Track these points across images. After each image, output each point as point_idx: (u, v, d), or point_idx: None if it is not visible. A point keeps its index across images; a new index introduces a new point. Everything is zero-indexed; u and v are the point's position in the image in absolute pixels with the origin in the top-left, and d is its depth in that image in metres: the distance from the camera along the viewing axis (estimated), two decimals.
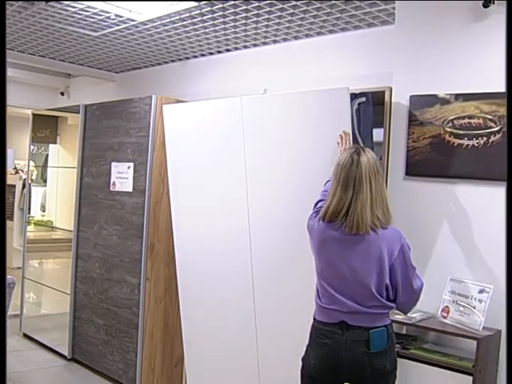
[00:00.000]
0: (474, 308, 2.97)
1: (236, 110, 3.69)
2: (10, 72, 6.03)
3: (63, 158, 6.15)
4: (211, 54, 5.15)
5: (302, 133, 3.38)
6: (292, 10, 3.81)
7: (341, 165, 2.57)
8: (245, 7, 3.82)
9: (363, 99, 3.46)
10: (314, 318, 2.67)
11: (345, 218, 2.52)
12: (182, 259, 4.17)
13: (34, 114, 6.08)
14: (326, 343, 2.56)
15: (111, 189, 4.76)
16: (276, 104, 3.58)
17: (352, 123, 3.26)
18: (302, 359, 2.70)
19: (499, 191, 3.00)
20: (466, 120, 3.16)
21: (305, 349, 2.70)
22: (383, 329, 2.55)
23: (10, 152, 7.59)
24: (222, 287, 3.92)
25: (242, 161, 3.68)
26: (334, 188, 2.57)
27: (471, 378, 2.81)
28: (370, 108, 3.51)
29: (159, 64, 5.76)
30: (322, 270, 2.64)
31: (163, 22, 4.25)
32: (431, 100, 3.29)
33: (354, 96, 3.39)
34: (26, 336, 5.80)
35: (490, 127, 3.06)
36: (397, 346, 3.08)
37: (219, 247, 3.89)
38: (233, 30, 4.34)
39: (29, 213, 6.31)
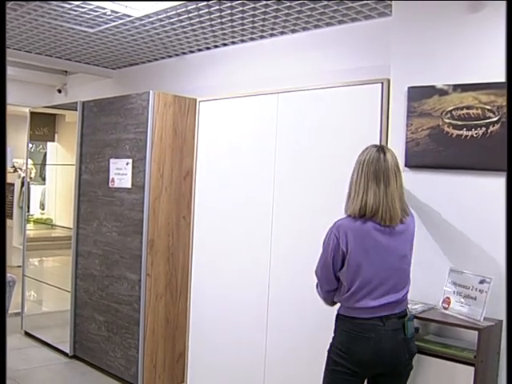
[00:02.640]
0: (475, 299, 2.95)
1: (272, 106, 3.77)
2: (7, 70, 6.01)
3: (61, 155, 6.13)
4: (208, 48, 5.13)
5: (338, 129, 3.47)
6: (289, 4, 3.79)
7: (366, 161, 2.67)
8: (241, 1, 3.80)
9: None
10: (352, 317, 2.68)
11: (379, 211, 2.62)
12: (199, 253, 4.26)
13: (31, 113, 6.07)
14: (371, 337, 2.62)
15: (110, 185, 4.76)
16: (312, 99, 3.62)
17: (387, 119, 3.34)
18: (340, 356, 2.67)
19: (499, 181, 2.99)
20: (465, 111, 3.14)
21: (338, 346, 2.69)
22: (411, 315, 2.78)
23: (8, 150, 7.57)
24: (236, 284, 3.99)
25: (272, 161, 3.77)
26: (363, 183, 2.64)
27: (473, 368, 2.79)
28: None
29: (156, 60, 5.74)
30: (360, 270, 2.65)
31: (159, 17, 4.23)
32: (429, 91, 3.27)
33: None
34: (27, 334, 5.81)
35: (489, 117, 3.05)
36: None
37: (238, 244, 3.97)
38: (230, 24, 4.32)
39: (28, 211, 6.31)
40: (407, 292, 2.77)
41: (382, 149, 2.73)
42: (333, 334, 2.78)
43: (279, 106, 3.75)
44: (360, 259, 2.65)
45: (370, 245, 2.65)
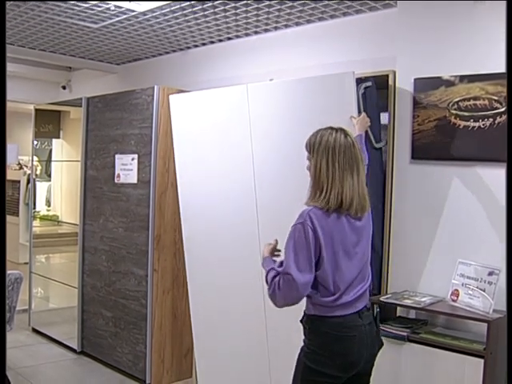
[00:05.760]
0: (484, 291, 2.95)
1: (242, 98, 3.70)
2: (10, 67, 5.98)
3: (67, 152, 6.13)
4: (212, 42, 5.12)
5: (308, 119, 3.34)
6: None
7: (338, 148, 2.38)
8: None
9: (369, 83, 3.43)
10: (332, 316, 2.42)
11: (354, 202, 2.39)
12: (191, 249, 4.19)
13: (36, 109, 6.07)
14: (354, 336, 2.41)
15: (116, 181, 4.75)
16: (281, 90, 3.59)
17: (358, 107, 3.24)
18: (321, 363, 2.40)
19: None
20: (472, 102, 3.13)
21: (318, 351, 2.42)
22: (376, 305, 2.70)
23: (14, 147, 7.56)
24: (230, 277, 3.92)
25: (249, 148, 3.68)
26: (338, 174, 2.36)
27: (482, 360, 2.79)
28: (375, 92, 3.50)
29: (160, 54, 5.73)
30: (338, 266, 2.40)
31: (163, 11, 4.22)
32: (436, 82, 3.26)
33: (359, 80, 3.37)
34: (34, 331, 5.81)
35: (496, 108, 3.04)
36: (407, 330, 3.09)
37: (228, 235, 3.90)
38: (233, 17, 4.30)
39: (34, 208, 6.32)
40: (371, 280, 2.58)
41: (345, 132, 2.44)
42: (304, 338, 2.50)
43: (285, 94, 3.64)
44: (338, 255, 2.40)
45: (345, 238, 2.42)
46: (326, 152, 2.38)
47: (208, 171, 3.99)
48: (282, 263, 2.46)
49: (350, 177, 2.38)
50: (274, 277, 2.42)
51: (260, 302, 3.73)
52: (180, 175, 4.20)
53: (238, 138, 3.77)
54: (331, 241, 2.38)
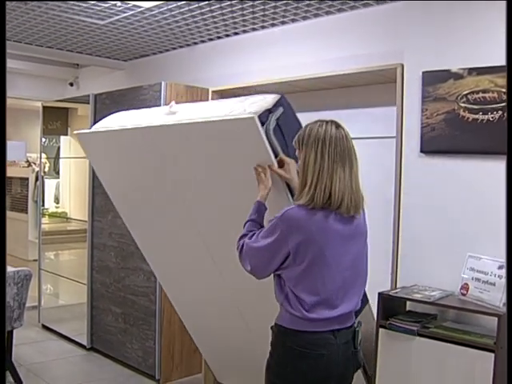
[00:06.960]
0: (494, 284, 2.93)
1: (142, 141, 3.32)
2: (18, 64, 6.02)
3: (75, 149, 6.14)
4: (219, 37, 5.10)
5: (213, 167, 3.03)
6: None
7: (328, 139, 2.20)
8: None
9: (280, 111, 2.74)
10: (300, 330, 2.25)
11: (345, 199, 2.19)
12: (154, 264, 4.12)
13: (44, 107, 6.09)
14: (323, 354, 2.24)
15: None
16: (182, 134, 3.10)
17: (273, 148, 2.66)
18: (283, 378, 2.28)
19: None
20: (481, 94, 3.11)
21: (281, 366, 2.29)
22: (359, 321, 2.41)
23: (22, 145, 7.61)
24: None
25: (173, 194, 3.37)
26: (327, 166, 2.18)
27: (493, 354, 2.78)
28: (291, 114, 2.84)
29: (167, 50, 5.72)
30: (314, 276, 2.22)
31: (169, 7, 4.21)
32: (444, 75, 3.24)
33: (267, 113, 2.69)
34: (44, 327, 5.85)
35: (505, 101, 3.01)
36: (416, 324, 3.08)
37: (181, 253, 3.71)
38: (240, 12, 4.29)
39: (43, 205, 6.34)
40: (360, 299, 2.38)
41: (337, 124, 2.26)
42: (270, 349, 2.35)
43: (186, 138, 3.10)
44: (313, 264, 2.21)
45: (329, 244, 2.21)
46: (315, 144, 2.21)
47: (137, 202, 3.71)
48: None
49: (341, 169, 2.19)
50: (244, 235, 2.39)
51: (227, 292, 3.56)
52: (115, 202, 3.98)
53: (153, 181, 3.43)
54: (306, 246, 2.19)
